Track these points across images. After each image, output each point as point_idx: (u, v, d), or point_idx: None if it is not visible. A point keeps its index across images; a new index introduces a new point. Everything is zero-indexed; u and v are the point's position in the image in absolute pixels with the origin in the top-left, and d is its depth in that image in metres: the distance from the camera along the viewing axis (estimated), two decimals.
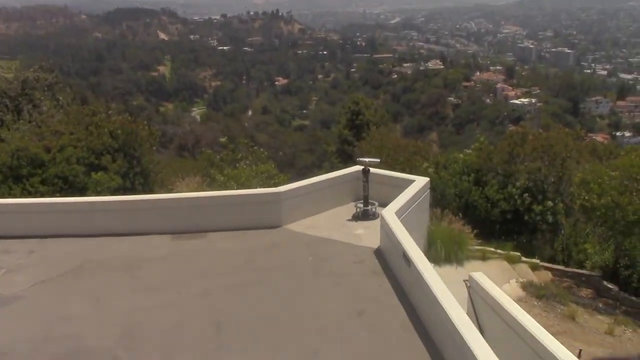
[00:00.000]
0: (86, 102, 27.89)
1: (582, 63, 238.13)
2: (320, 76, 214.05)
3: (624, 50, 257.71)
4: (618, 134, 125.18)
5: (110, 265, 10.28)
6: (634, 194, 14.88)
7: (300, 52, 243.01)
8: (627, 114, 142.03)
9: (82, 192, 17.26)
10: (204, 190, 16.44)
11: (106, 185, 17.66)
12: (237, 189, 16.58)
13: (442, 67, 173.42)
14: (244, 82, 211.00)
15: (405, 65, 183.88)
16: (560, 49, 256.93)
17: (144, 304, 8.77)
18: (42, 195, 16.33)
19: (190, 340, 7.77)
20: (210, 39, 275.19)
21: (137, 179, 19.24)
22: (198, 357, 7.37)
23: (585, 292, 15.39)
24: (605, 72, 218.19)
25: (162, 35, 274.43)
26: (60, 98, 25.82)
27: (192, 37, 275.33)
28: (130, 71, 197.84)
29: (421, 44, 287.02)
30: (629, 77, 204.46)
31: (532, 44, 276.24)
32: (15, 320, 8.39)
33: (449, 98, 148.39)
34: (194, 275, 9.81)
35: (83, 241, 11.26)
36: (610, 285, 15.54)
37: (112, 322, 8.29)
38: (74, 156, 18.32)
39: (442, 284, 7.60)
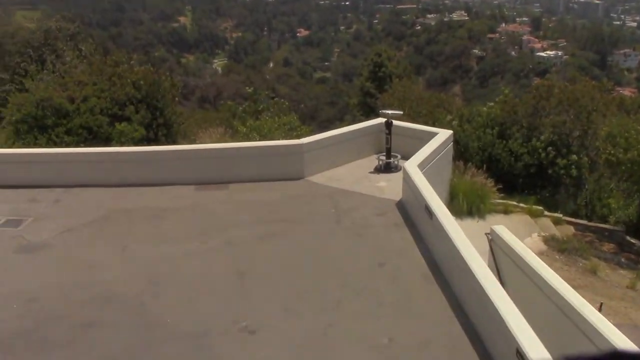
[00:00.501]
0: (108, 53, 27.82)
1: (612, 14, 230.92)
2: (342, 27, 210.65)
3: None
4: None
5: (135, 215, 10.44)
6: None
7: (322, 2, 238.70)
8: None
9: (106, 142, 17.40)
10: (226, 142, 16.49)
11: (130, 135, 17.77)
12: (259, 140, 16.61)
13: (466, 18, 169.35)
14: (265, 33, 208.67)
15: (429, 16, 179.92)
16: None
17: (168, 252, 8.93)
18: (67, 145, 16.51)
19: (214, 289, 7.92)
20: None
21: (160, 130, 19.32)
22: (222, 305, 7.52)
23: (608, 246, 15.32)
24: (635, 24, 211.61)
25: None
26: (83, 48, 25.80)
27: None
28: (150, 22, 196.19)
29: None
30: None
31: None
32: (44, 267, 8.60)
33: (474, 50, 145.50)
34: (217, 225, 9.93)
35: (108, 191, 11.43)
36: (633, 240, 15.46)
37: (138, 270, 8.47)
38: (97, 107, 18.41)
39: (463, 237, 7.61)
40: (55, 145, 16.81)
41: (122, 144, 16.85)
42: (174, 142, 18.60)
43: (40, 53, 24.03)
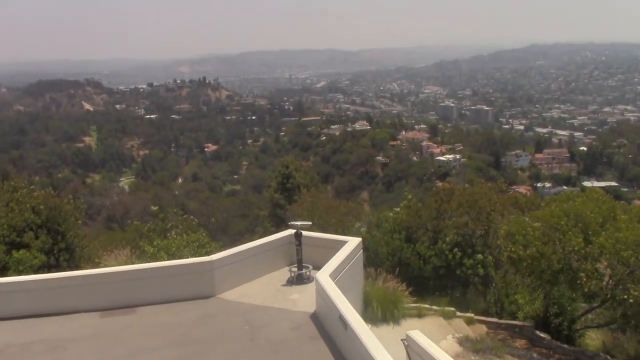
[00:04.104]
0: (7, 177, 26.85)
1: (500, 119, 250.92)
2: (249, 141, 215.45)
3: (537, 106, 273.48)
4: (539, 185, 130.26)
5: (33, 349, 9.74)
6: (557, 243, 15.36)
7: (228, 117, 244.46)
8: (545, 165, 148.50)
9: (2, 272, 16.44)
10: (133, 263, 15.97)
11: (29, 263, 16.87)
12: (167, 259, 16.18)
13: (368, 127, 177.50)
14: (172, 149, 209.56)
15: (333, 127, 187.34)
16: (479, 106, 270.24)
17: None
18: None
19: None
20: (137, 108, 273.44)
21: (62, 255, 18.49)
22: None
23: (520, 342, 15.60)
24: (522, 127, 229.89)
25: (87, 106, 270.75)
26: None
27: (118, 106, 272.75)
28: (54, 143, 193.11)
29: (347, 105, 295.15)
30: (544, 130, 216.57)
31: (452, 103, 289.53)
32: None
33: (378, 157, 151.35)
34: (125, 353, 9.41)
35: (3, 324, 10.67)
36: (542, 334, 15.82)
37: None
38: None
39: (379, 345, 7.57)
40: None
41: (19, 273, 15.93)
42: (77, 267, 17.77)
43: None
